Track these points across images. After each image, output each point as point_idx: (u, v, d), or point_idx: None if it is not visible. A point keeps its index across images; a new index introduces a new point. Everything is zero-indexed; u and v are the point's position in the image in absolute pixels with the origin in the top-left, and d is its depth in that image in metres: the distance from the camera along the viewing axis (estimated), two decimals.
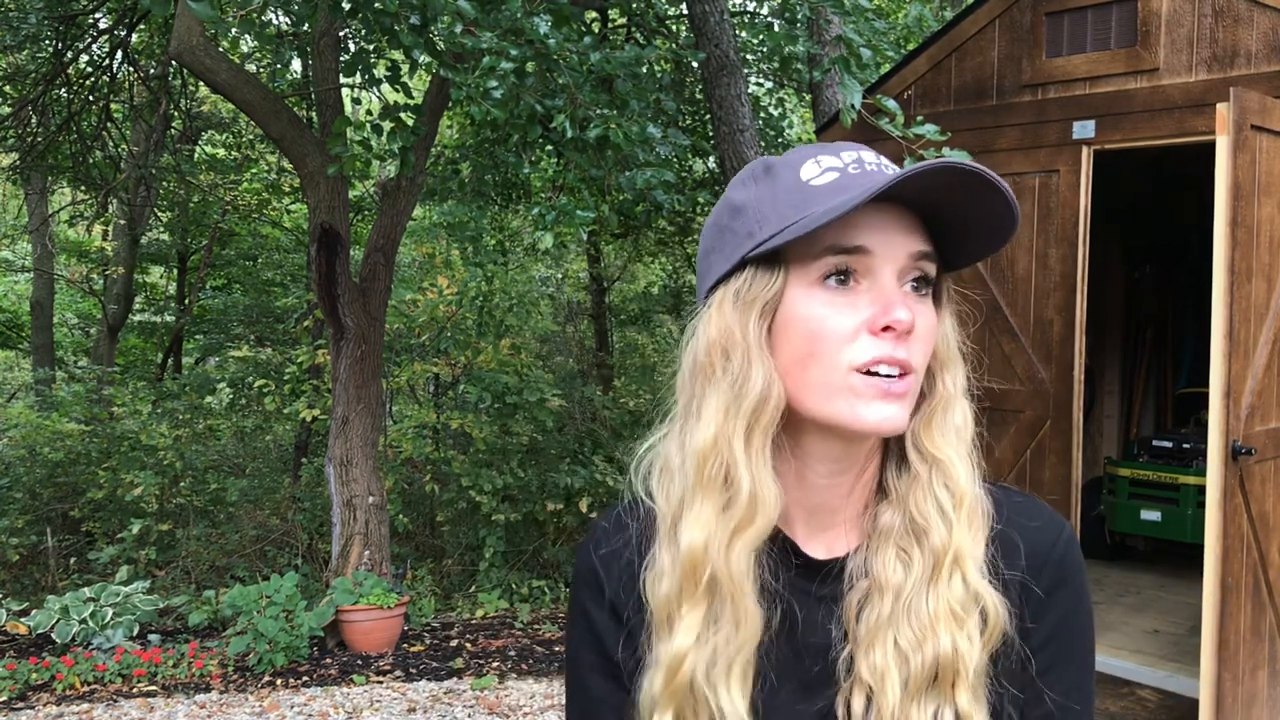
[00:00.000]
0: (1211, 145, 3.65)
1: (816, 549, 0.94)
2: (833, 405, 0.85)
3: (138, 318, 12.64)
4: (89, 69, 8.53)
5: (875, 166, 0.88)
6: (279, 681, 4.96)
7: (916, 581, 0.89)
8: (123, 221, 10.77)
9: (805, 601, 0.92)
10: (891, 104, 4.11)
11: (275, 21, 7.07)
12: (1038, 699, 0.91)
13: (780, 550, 0.92)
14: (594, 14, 7.57)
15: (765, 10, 8.86)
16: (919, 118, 4.32)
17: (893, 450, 0.94)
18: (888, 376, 0.84)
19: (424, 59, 4.07)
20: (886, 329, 0.84)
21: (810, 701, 0.91)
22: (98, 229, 12.36)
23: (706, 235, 0.93)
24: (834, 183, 0.86)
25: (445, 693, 4.87)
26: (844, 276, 0.85)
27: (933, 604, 0.88)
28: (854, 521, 0.94)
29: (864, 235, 0.84)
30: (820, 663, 0.91)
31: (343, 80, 6.11)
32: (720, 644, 0.87)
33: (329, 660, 5.28)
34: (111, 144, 9.05)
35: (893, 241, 0.85)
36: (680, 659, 0.87)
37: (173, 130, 9.56)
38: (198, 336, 12.31)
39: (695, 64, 6.65)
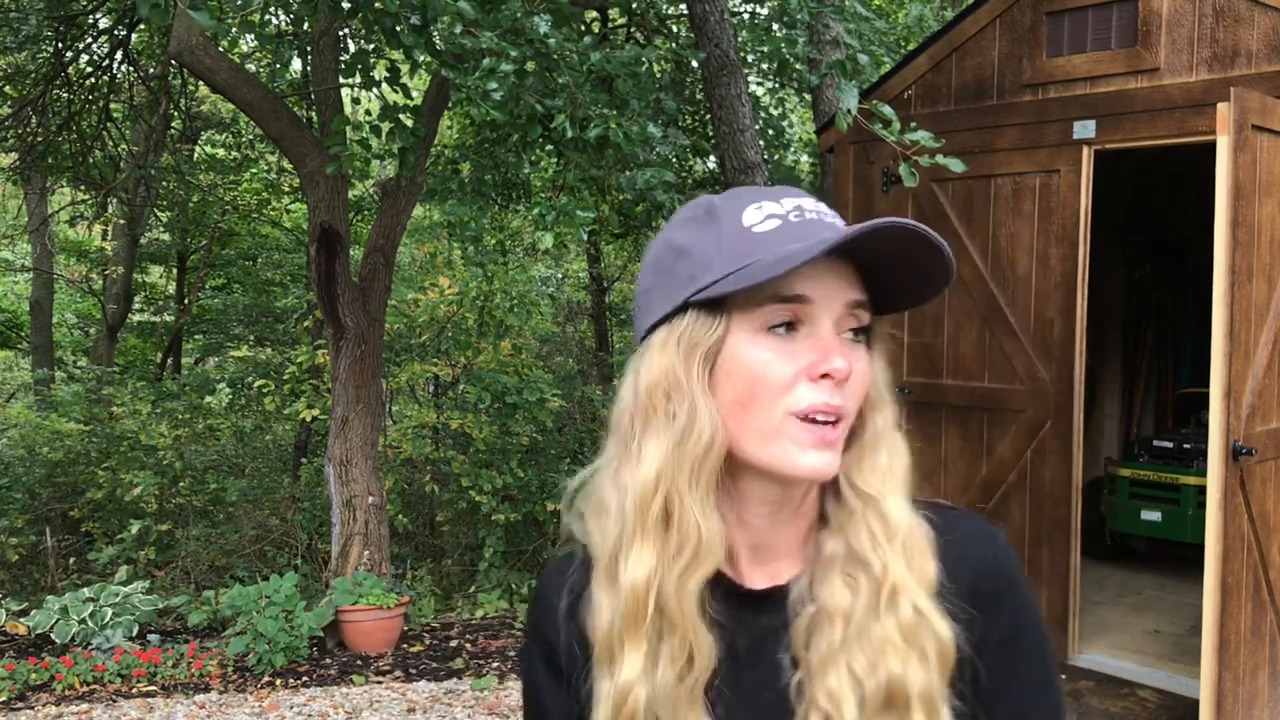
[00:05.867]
0: (1212, 145, 3.65)
1: (758, 579, 0.95)
2: (769, 451, 0.88)
3: (137, 318, 12.65)
4: (89, 69, 8.53)
5: (815, 215, 0.90)
6: (278, 682, 4.96)
7: (865, 607, 0.91)
8: (122, 221, 10.77)
9: (749, 633, 0.93)
10: (887, 110, 4.10)
11: (275, 21, 7.06)
12: (1002, 702, 0.94)
13: (721, 586, 0.93)
14: (594, 14, 7.57)
15: (765, 11, 8.85)
16: (913, 123, 4.32)
17: (830, 482, 0.95)
18: (824, 424, 0.87)
19: (424, 59, 4.07)
20: (824, 376, 0.87)
21: None
22: (97, 229, 12.36)
23: (646, 273, 0.95)
24: (776, 230, 0.88)
25: (445, 693, 4.87)
26: (787, 325, 0.87)
27: (880, 630, 0.90)
28: (795, 550, 0.96)
29: (805, 285, 0.86)
30: (771, 691, 0.92)
31: (342, 80, 6.10)
32: (671, 679, 0.89)
33: (328, 660, 5.27)
34: (111, 144, 9.04)
35: (831, 291, 0.88)
36: (625, 693, 0.89)
37: (173, 130, 9.55)
38: (197, 336, 12.32)
39: (695, 64, 6.65)
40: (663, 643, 0.89)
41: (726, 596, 0.93)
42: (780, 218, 0.89)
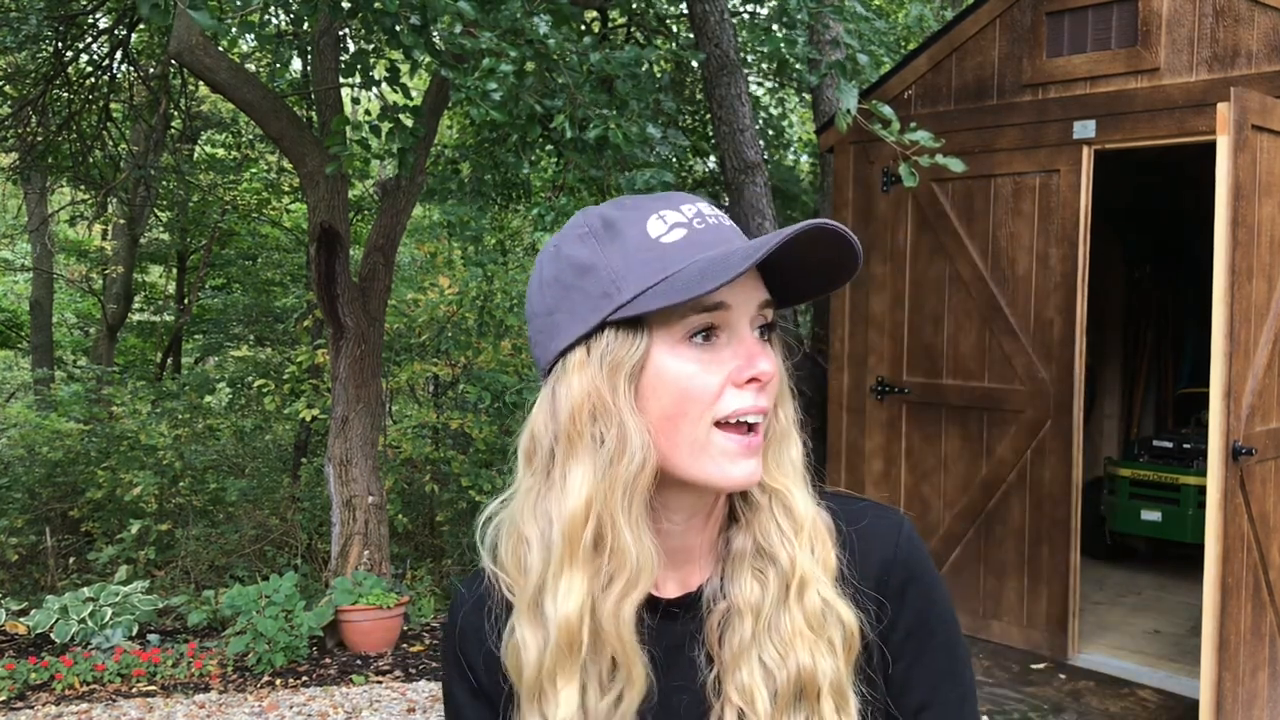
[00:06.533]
0: (1212, 145, 3.65)
1: (671, 587, 0.96)
2: (700, 464, 0.87)
3: (137, 317, 12.64)
4: (89, 69, 8.53)
5: (715, 220, 0.90)
6: (278, 681, 4.96)
7: (773, 600, 0.91)
8: (122, 221, 10.77)
9: (665, 640, 0.94)
10: (887, 110, 4.11)
11: (275, 21, 7.06)
12: (910, 691, 0.95)
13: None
14: (594, 14, 7.57)
15: (765, 11, 8.86)
16: (913, 123, 4.32)
17: None
18: (749, 430, 0.88)
19: (424, 59, 4.07)
20: (751, 380, 0.87)
21: None
22: (97, 229, 12.36)
23: (546, 292, 0.91)
24: (685, 240, 0.87)
25: None
26: (709, 333, 0.87)
27: (790, 621, 0.91)
28: (708, 550, 0.96)
29: (725, 292, 0.86)
30: (689, 692, 0.93)
31: (342, 80, 6.10)
32: (605, 709, 0.89)
33: (328, 660, 5.27)
34: (111, 144, 9.04)
35: (746, 295, 0.88)
36: None
37: (173, 130, 9.55)
38: (197, 336, 12.31)
39: (695, 64, 6.65)
40: (604, 672, 0.89)
41: (644, 610, 0.92)
42: (685, 225, 0.88)
